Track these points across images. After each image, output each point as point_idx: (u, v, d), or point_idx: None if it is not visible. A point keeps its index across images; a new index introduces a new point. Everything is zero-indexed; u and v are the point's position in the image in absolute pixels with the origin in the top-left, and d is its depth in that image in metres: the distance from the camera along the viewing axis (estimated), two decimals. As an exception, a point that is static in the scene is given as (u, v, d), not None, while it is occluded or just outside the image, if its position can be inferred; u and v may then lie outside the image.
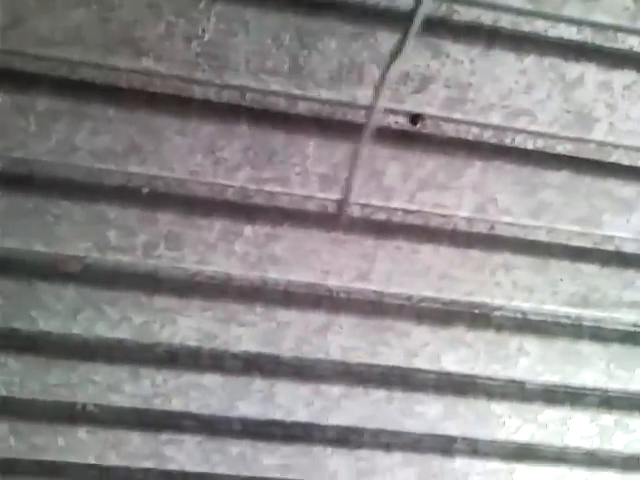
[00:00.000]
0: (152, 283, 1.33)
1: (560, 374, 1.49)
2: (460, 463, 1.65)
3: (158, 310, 1.36)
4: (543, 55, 1.02)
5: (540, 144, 1.16)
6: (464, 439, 1.62)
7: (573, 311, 1.38)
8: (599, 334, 1.43)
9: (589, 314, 1.39)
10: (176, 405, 1.52)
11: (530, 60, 1.03)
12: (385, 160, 1.16)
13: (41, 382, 1.46)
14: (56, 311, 1.35)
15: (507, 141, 1.15)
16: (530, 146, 1.16)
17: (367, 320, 1.40)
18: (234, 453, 1.60)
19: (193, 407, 1.52)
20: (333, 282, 1.34)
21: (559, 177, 1.19)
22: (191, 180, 1.20)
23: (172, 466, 1.63)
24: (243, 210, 1.24)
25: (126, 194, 1.21)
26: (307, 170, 1.17)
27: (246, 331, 1.40)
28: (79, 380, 1.46)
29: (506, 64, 1.03)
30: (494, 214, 1.23)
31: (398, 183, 1.19)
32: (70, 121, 1.11)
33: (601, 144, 1.14)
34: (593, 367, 1.48)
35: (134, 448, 1.58)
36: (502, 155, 1.17)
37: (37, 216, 1.22)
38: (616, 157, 1.17)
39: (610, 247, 1.30)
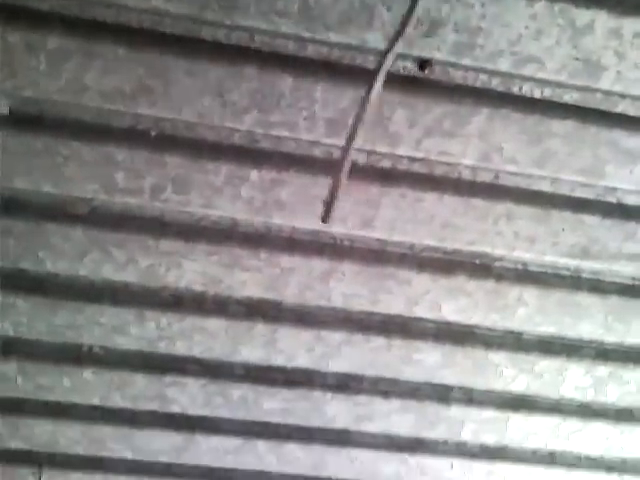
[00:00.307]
0: (158, 226, 1.35)
1: (558, 325, 1.52)
2: (456, 411, 1.69)
3: (164, 253, 1.38)
4: (554, 0, 1.02)
5: (547, 93, 1.16)
6: (461, 388, 1.66)
7: (573, 262, 1.40)
8: (598, 286, 1.45)
9: (588, 266, 1.41)
10: (180, 348, 1.55)
11: (541, 5, 1.03)
12: (392, 106, 1.17)
13: (48, 323, 1.49)
14: (63, 252, 1.37)
15: (514, 89, 1.15)
16: (537, 95, 1.16)
17: (369, 268, 1.42)
18: (236, 397, 1.64)
19: (196, 351, 1.56)
20: (337, 229, 1.35)
21: (565, 126, 1.19)
22: (199, 123, 1.20)
23: (175, 408, 1.67)
24: (250, 155, 1.25)
25: (134, 136, 1.21)
26: (314, 115, 1.18)
27: (250, 276, 1.42)
28: (85, 322, 1.49)
29: (517, 9, 1.03)
30: (499, 163, 1.24)
31: (404, 130, 1.20)
32: (80, 60, 1.11)
33: (608, 93, 1.14)
34: (590, 319, 1.51)
35: (138, 390, 1.62)
36: (509, 103, 1.17)
37: (46, 156, 1.23)
38: (622, 107, 1.17)
39: (612, 199, 1.31)
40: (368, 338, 1.55)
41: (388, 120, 1.18)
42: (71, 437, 1.70)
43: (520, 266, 1.43)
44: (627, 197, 1.31)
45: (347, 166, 0.87)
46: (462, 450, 1.79)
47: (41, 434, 1.69)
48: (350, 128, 0.86)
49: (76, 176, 1.25)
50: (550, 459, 1.82)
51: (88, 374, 1.58)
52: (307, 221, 1.34)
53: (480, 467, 1.81)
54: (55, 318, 1.48)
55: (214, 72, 1.13)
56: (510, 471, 1.83)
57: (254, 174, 1.27)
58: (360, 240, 1.38)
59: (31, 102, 1.17)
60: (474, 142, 1.21)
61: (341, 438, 1.75)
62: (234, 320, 1.51)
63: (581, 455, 1.81)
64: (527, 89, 1.15)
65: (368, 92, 0.85)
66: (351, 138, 0.85)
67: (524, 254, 1.39)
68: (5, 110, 1.17)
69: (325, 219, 0.87)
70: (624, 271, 1.42)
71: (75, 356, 1.55)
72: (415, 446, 1.77)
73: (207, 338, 1.53)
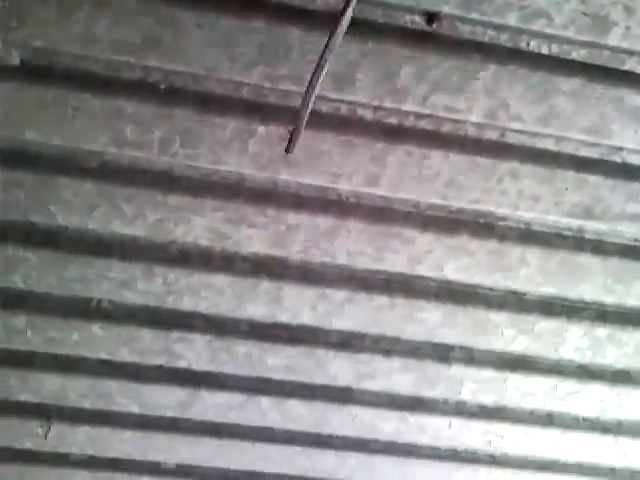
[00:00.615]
0: (167, 181, 1.37)
1: (559, 286, 1.54)
2: (456, 370, 1.72)
3: (172, 208, 1.39)
4: (563, -46, 1.02)
5: (555, 49, 1.16)
6: (461, 347, 1.69)
7: (575, 222, 1.42)
8: (600, 247, 1.47)
9: (591, 226, 1.43)
10: (187, 304, 1.58)
11: (550, -43, 1.03)
12: (399, 60, 1.17)
13: (58, 277, 1.52)
14: (73, 206, 1.39)
15: (522, 45, 1.16)
16: (545, 51, 1.16)
17: (374, 226, 1.44)
18: (241, 353, 1.67)
19: (203, 307, 1.58)
20: (343, 186, 1.37)
21: (571, 84, 1.20)
22: (207, 76, 1.21)
23: (181, 364, 1.70)
24: (257, 109, 1.26)
25: (144, 89, 1.23)
26: (322, 68, 1.18)
27: (256, 232, 1.44)
28: (94, 276, 1.51)
29: (526, -38, 1.03)
30: (505, 120, 1.25)
31: (411, 85, 1.21)
32: (91, 10, 1.11)
33: (615, 50, 1.15)
34: (591, 280, 1.53)
35: (145, 345, 1.65)
36: (516, 59, 1.18)
37: (56, 108, 1.24)
38: (630, 65, 1.18)
39: (617, 158, 1.32)
40: (371, 297, 1.57)
41: (395, 75, 1.18)
42: (79, 391, 1.74)
43: (523, 226, 1.44)
44: (632, 157, 1.32)
45: (311, 101, 0.96)
46: (461, 409, 1.82)
47: (50, 387, 1.73)
48: (313, 72, 0.90)
49: (86, 129, 1.27)
50: (547, 420, 1.85)
51: (96, 328, 1.60)
52: (313, 177, 1.35)
53: (478, 426, 1.85)
54: (65, 272, 1.50)
55: (223, 24, 1.14)
56: (508, 431, 1.86)
57: (262, 129, 1.28)
58: (365, 197, 1.40)
59: (42, 53, 1.18)
60: (481, 98, 1.22)
61: (343, 396, 1.79)
62: (240, 277, 1.53)
63: (578, 416, 1.84)
64: (535, 45, 1.15)
65: (330, 37, 0.88)
66: (314, 79, 0.90)
67: (527, 213, 1.40)
68: (16, 61, 1.18)
69: (288, 149, 1.02)
70: (626, 232, 1.44)
71: (84, 310, 1.58)
72: (415, 405, 1.80)
73: (213, 294, 1.55)
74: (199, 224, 1.42)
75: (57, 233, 1.44)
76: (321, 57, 0.93)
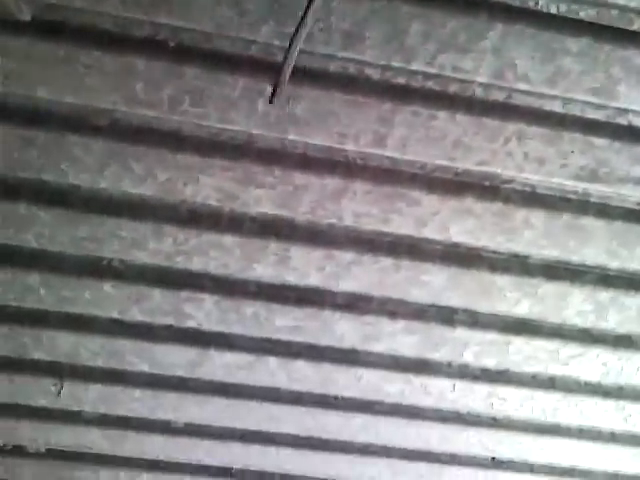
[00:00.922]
0: (176, 140, 1.38)
1: (562, 249, 1.56)
2: (460, 333, 1.75)
3: (182, 168, 1.42)
4: None
5: (563, 9, 1.17)
6: (465, 310, 1.71)
7: (580, 185, 1.43)
8: (604, 210, 1.48)
9: (596, 189, 1.44)
10: (196, 264, 1.61)
11: None
12: (407, 19, 1.18)
13: (70, 236, 1.54)
14: (85, 164, 1.41)
15: (531, 4, 1.16)
16: (553, 10, 1.17)
17: (380, 187, 1.46)
18: (249, 313, 1.71)
19: (212, 267, 1.61)
20: (350, 147, 1.38)
21: (579, 44, 1.20)
22: (216, 34, 1.22)
23: (190, 324, 1.74)
24: (266, 68, 1.27)
25: (154, 46, 1.24)
26: (331, 27, 1.19)
27: (264, 193, 1.46)
28: (105, 235, 1.54)
29: None
30: (512, 81, 1.26)
31: (419, 44, 1.21)
32: (101, -34, 1.12)
33: (624, 10, 1.15)
34: (595, 243, 1.54)
35: (156, 304, 1.68)
36: (524, 19, 1.18)
37: (68, 66, 1.26)
38: (638, 25, 1.18)
39: (623, 121, 1.33)
40: (377, 258, 1.59)
41: (404, 33, 1.19)
42: (91, 349, 1.78)
43: (528, 188, 1.45)
44: (638, 119, 1.33)
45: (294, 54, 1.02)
46: (464, 372, 1.85)
47: (63, 346, 1.77)
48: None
49: (97, 86, 1.28)
50: (549, 383, 1.88)
51: (108, 287, 1.64)
52: (321, 137, 1.36)
53: (481, 389, 1.88)
54: (76, 231, 1.53)
55: (233, -20, 1.15)
56: (510, 394, 1.89)
57: (270, 88, 1.29)
58: (372, 158, 1.41)
59: (53, 9, 1.19)
60: (488, 58, 1.22)
61: (349, 357, 1.82)
62: (248, 237, 1.55)
63: (580, 380, 1.87)
64: (543, 4, 1.16)
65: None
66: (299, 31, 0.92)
67: (533, 176, 1.41)
68: (27, 17, 1.19)
69: (271, 100, 1.07)
70: (631, 195, 1.45)
71: (95, 269, 1.61)
72: (419, 367, 1.83)
73: (222, 254, 1.58)
74: (208, 184, 1.44)
75: (69, 192, 1.47)
76: (306, 10, 0.95)
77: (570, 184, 1.43)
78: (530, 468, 2.12)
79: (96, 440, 2.03)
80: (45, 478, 2.16)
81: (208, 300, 1.68)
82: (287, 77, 1.06)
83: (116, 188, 1.46)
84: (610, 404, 1.91)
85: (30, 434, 2.01)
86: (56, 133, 1.36)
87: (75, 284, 1.63)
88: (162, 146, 1.39)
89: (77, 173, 1.43)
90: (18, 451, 2.06)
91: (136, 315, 1.71)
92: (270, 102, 1.06)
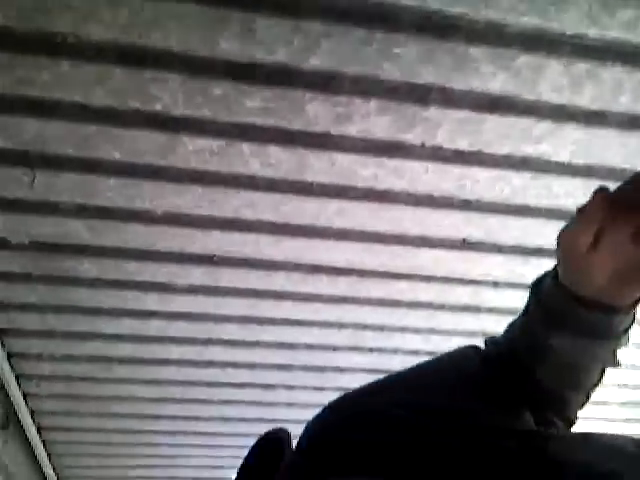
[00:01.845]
0: None
1: (542, 15, 1.48)
2: (434, 112, 1.72)
3: None
4: None
5: None
6: (439, 88, 1.67)
7: None
8: (587, -31, 1.39)
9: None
10: (156, 40, 1.52)
11: None
12: None
13: (17, 7, 1.44)
14: None
15: None
16: None
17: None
18: (217, 94, 1.66)
19: (173, 41, 1.53)
20: None
21: None
22: None
23: (157, 107, 1.69)
24: None
25: None
26: None
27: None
28: (54, 5, 1.43)
29: None
30: None
31: None
32: None
33: None
34: (576, 8, 1.47)
35: (119, 85, 1.62)
36: None
37: None
38: None
39: None
40: (348, 30, 1.51)
41: None
42: (59, 136, 1.75)
43: (510, -59, 1.34)
44: None
45: None
46: (437, 154, 1.86)
47: (29, 132, 1.73)
48: None
49: None
50: (521, 164, 1.90)
51: (66, 67, 1.56)
52: None
53: (454, 171, 1.90)
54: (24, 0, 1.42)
55: None
56: (482, 175, 1.92)
57: None
58: None
59: None
60: None
61: (322, 141, 1.81)
62: (210, 6, 1.45)
63: (550, 160, 1.89)
64: None
65: None
66: None
67: None
68: None
69: None
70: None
71: (50, 46, 1.52)
72: (392, 149, 1.84)
73: (183, 28, 1.49)
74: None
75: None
76: None
77: None
78: (499, 249, 2.22)
79: (77, 230, 2.08)
80: (31, 270, 2.24)
81: (174, 80, 1.62)
82: None
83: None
84: (578, 183, 1.95)
85: (10, 226, 2.05)
86: None
87: (30, 63, 1.55)
88: None
89: None
90: (2, 244, 2.11)
91: (101, 98, 1.66)
92: None
